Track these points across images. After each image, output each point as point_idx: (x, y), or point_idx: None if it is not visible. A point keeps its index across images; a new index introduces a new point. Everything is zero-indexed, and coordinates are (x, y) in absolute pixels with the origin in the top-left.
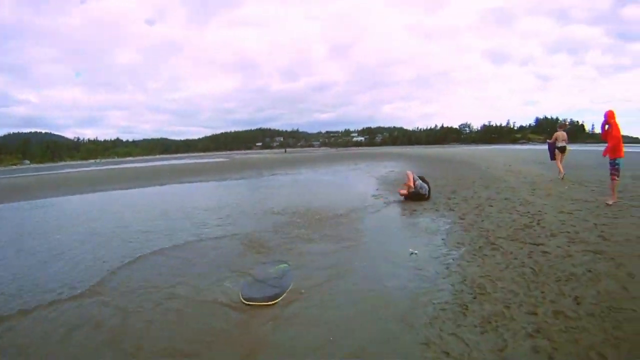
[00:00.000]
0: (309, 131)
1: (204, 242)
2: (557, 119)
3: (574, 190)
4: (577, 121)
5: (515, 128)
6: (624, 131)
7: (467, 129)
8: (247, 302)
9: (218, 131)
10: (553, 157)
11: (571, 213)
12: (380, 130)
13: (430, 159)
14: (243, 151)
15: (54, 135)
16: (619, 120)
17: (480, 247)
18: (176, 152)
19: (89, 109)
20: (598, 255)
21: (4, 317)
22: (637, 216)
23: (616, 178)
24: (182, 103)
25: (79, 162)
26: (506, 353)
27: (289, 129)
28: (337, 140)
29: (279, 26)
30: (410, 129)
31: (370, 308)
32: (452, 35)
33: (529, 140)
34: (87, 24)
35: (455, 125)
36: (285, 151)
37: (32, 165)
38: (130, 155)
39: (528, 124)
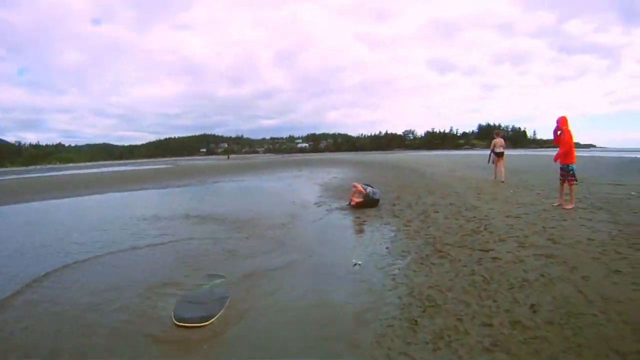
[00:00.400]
0: (254, 137)
1: (137, 255)
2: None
3: (519, 194)
4: (520, 127)
5: (459, 134)
6: None
7: (411, 135)
8: (180, 324)
9: (162, 137)
10: (490, 161)
11: (519, 217)
12: (324, 136)
13: (374, 165)
14: (187, 157)
15: None
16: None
17: (427, 255)
18: (120, 158)
19: (32, 111)
20: (550, 260)
21: None
22: (585, 218)
23: (574, 182)
24: (126, 107)
25: (21, 168)
26: None
27: (234, 135)
28: (282, 147)
29: (225, 32)
30: (355, 136)
31: (313, 327)
32: (398, 44)
33: (472, 146)
34: (32, 19)
35: (400, 132)
36: (228, 157)
37: None
38: (72, 161)
39: (471, 131)
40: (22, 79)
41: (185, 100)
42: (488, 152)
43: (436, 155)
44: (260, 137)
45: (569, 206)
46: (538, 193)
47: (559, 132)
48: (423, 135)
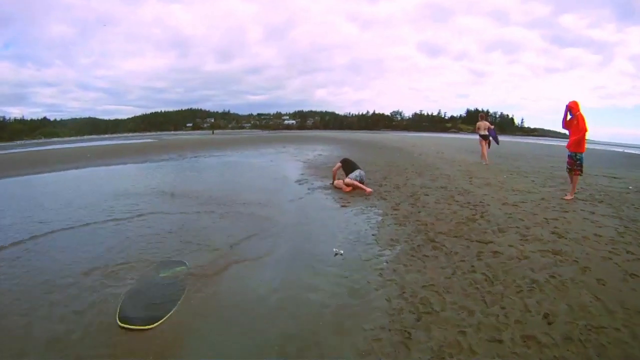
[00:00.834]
0: (241, 113)
1: (94, 232)
2: (487, 111)
3: (513, 180)
4: (508, 115)
5: (446, 118)
6: (553, 126)
7: (399, 116)
8: (123, 325)
9: (149, 111)
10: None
11: (516, 205)
12: (312, 114)
13: (361, 143)
14: (173, 132)
15: None
16: (552, 116)
17: (418, 245)
18: (105, 132)
19: (17, 85)
20: (558, 257)
21: None
22: (587, 211)
23: (580, 173)
24: (112, 81)
25: (5, 143)
26: None
27: (221, 111)
28: (269, 123)
29: (215, 4)
30: (342, 114)
31: (281, 338)
32: (389, 25)
33: (459, 130)
34: None
35: (387, 113)
36: (213, 133)
37: None
38: (57, 135)
39: (459, 115)
40: (7, 52)
41: (173, 74)
42: (477, 136)
43: (423, 137)
44: (247, 112)
45: (569, 197)
46: (533, 180)
47: (568, 117)
48: (410, 116)
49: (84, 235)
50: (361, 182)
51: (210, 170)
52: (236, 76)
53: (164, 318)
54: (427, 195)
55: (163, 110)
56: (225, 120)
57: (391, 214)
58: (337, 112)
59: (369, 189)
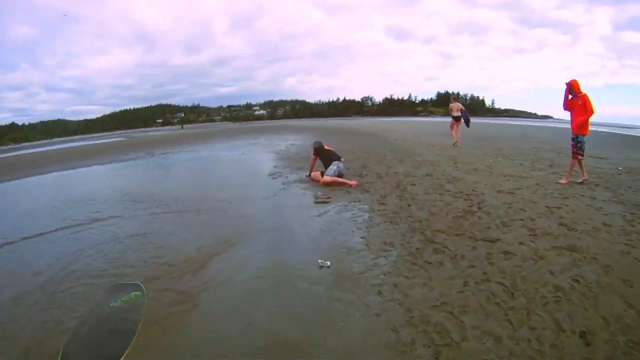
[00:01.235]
0: (210, 106)
1: (41, 246)
2: (458, 93)
3: (500, 164)
4: (478, 96)
5: (417, 101)
6: (523, 107)
7: (370, 101)
8: None
9: (118, 109)
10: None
11: (512, 193)
12: (282, 103)
13: (334, 130)
14: (143, 129)
15: None
16: (522, 96)
17: (417, 249)
18: (75, 133)
19: None
20: (575, 255)
21: None
22: (587, 196)
23: (580, 157)
24: (80, 80)
25: None
26: None
27: (190, 104)
28: (239, 114)
29: None
30: (313, 102)
31: None
32: (356, 10)
33: (430, 113)
34: None
35: (358, 99)
36: (182, 127)
37: None
38: (27, 140)
39: (430, 98)
40: None
41: (140, 69)
42: (449, 119)
43: (396, 122)
44: (217, 105)
45: (563, 181)
46: (521, 164)
47: (570, 97)
48: (381, 101)
49: (25, 250)
50: (340, 175)
51: (178, 168)
52: (204, 69)
53: (125, 353)
54: (414, 185)
55: (132, 108)
56: (195, 113)
57: (378, 210)
58: (307, 100)
59: (353, 182)
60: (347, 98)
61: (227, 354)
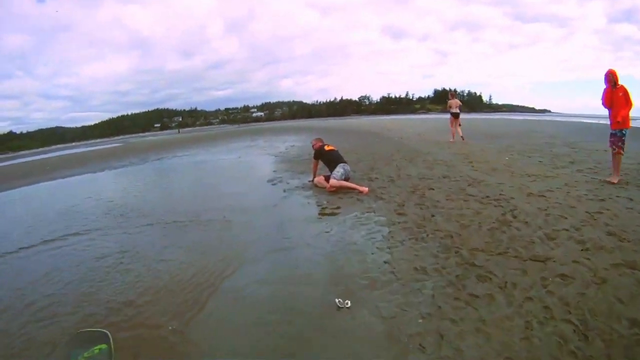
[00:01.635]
0: (208, 109)
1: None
2: (455, 90)
3: (518, 162)
4: (475, 92)
5: (414, 99)
6: (520, 102)
7: (367, 100)
8: None
9: (115, 115)
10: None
11: (543, 196)
12: (279, 105)
13: (333, 130)
14: (141, 134)
15: None
16: (519, 91)
17: (457, 276)
18: (72, 140)
19: None
20: (637, 273)
21: None
22: (623, 197)
23: (622, 152)
24: (76, 88)
25: None
26: None
27: (188, 108)
28: (237, 117)
29: (172, 1)
30: (310, 103)
31: None
32: (351, 10)
33: (428, 111)
34: None
35: (355, 98)
36: (179, 132)
37: None
38: (25, 148)
39: (427, 96)
40: None
41: (136, 75)
42: (447, 115)
43: (395, 120)
44: (214, 108)
45: (614, 180)
46: (540, 161)
47: (608, 89)
48: (378, 100)
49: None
50: (347, 179)
51: (171, 174)
52: (200, 72)
53: None
54: (433, 189)
55: (130, 113)
56: (193, 117)
57: (399, 223)
58: (304, 101)
59: (364, 188)
60: (344, 98)
61: None
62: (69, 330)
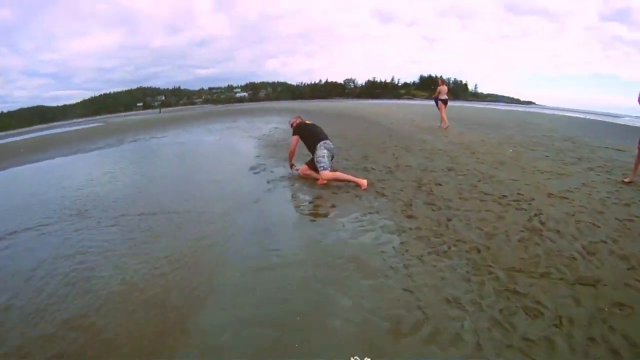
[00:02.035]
0: (191, 88)
1: None
2: (441, 77)
3: (524, 156)
4: (461, 80)
5: (400, 84)
6: (505, 92)
7: (352, 84)
8: None
9: (98, 93)
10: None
11: (565, 197)
12: (264, 85)
13: (319, 113)
14: (123, 113)
15: None
16: (505, 82)
17: (501, 310)
18: (53, 120)
19: None
20: None
21: None
22: None
23: None
24: (59, 64)
25: None
26: None
27: (171, 87)
28: (220, 97)
29: None
30: (294, 84)
31: None
32: None
33: (413, 96)
34: None
35: (340, 81)
36: (160, 111)
37: None
38: (8, 128)
39: (412, 81)
40: None
41: (120, 52)
42: (431, 102)
43: (381, 104)
44: (198, 87)
45: (627, 178)
46: (547, 156)
47: None
48: (363, 84)
49: None
50: (332, 157)
51: (146, 158)
52: (185, 50)
53: None
54: (440, 184)
55: (113, 91)
56: (176, 96)
57: (410, 229)
58: (289, 82)
59: (362, 180)
60: (329, 80)
61: None
62: None
